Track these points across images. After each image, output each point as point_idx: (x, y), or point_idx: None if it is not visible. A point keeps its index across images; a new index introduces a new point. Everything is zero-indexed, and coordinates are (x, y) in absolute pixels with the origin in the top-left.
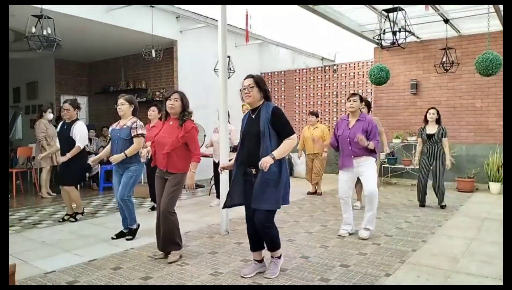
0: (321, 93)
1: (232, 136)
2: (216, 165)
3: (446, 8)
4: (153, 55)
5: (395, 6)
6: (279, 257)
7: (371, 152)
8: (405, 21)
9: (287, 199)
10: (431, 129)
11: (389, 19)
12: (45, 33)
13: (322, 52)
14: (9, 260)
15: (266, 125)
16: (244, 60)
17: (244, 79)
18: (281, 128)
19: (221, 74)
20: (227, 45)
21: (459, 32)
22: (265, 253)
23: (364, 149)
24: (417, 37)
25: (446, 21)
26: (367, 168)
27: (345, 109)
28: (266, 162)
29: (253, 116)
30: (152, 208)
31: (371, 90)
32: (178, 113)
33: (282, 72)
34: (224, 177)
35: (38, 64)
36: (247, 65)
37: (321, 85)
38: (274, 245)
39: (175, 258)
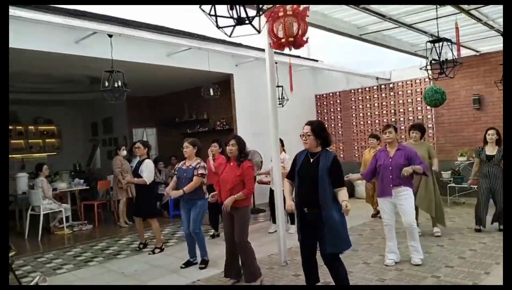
0: (379, 112)
1: (285, 164)
2: (272, 192)
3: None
4: (211, 93)
5: (440, 38)
6: None
7: (410, 183)
8: (452, 51)
9: (348, 244)
10: (491, 150)
11: (435, 50)
12: (116, 85)
13: (377, 72)
14: None
15: (325, 172)
16: (298, 83)
17: (305, 125)
18: (338, 177)
19: (270, 109)
20: (279, 72)
21: None
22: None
23: (403, 179)
24: (476, 51)
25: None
26: (404, 200)
27: (404, 128)
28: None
29: (311, 160)
30: (213, 236)
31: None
32: (236, 155)
33: (337, 93)
34: (279, 202)
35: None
36: (301, 88)
37: (378, 104)
38: (345, 281)
39: (257, 283)
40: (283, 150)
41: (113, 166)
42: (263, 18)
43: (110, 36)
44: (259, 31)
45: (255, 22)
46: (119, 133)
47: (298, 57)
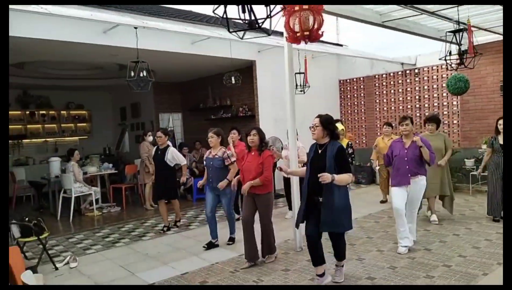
0: (403, 98)
1: (300, 153)
2: (286, 179)
3: None
4: (233, 81)
5: (460, 28)
6: (343, 266)
7: (425, 170)
8: (472, 40)
9: (351, 225)
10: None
11: (456, 39)
12: (141, 75)
13: (402, 57)
14: (120, 272)
15: (332, 161)
16: (322, 68)
17: (315, 118)
18: (344, 165)
19: (288, 99)
20: (302, 58)
21: None
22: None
23: (420, 168)
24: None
25: None
26: (420, 191)
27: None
28: (326, 176)
29: (320, 151)
30: (237, 219)
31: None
32: (257, 145)
33: (361, 78)
34: (295, 189)
35: None
36: (325, 74)
37: (402, 90)
38: (342, 255)
39: (271, 259)
40: (297, 138)
41: (140, 151)
42: (275, 18)
43: (136, 28)
44: (269, 34)
45: (267, 23)
46: (146, 117)
47: (323, 42)
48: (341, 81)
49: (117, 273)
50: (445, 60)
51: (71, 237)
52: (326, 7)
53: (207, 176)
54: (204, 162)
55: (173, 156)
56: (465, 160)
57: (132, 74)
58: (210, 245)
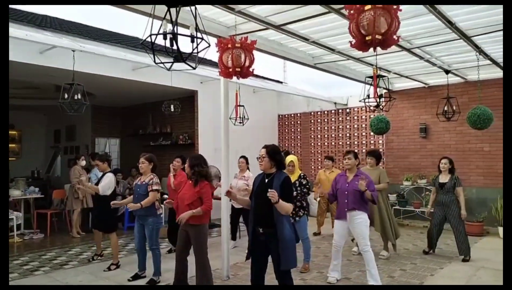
0: (335, 135)
1: (249, 182)
2: (234, 209)
3: (447, 61)
4: (172, 110)
5: (378, 74)
6: None
7: (365, 208)
8: (387, 84)
9: (295, 262)
10: (444, 178)
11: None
12: (75, 98)
13: (335, 96)
14: None
15: (277, 190)
16: (262, 103)
17: (261, 148)
18: (288, 194)
19: (222, 131)
20: (242, 92)
21: (465, 78)
22: None
23: (358, 203)
24: (425, 83)
25: (447, 72)
26: (357, 224)
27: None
28: (274, 194)
29: (266, 181)
30: (170, 251)
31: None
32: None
33: (298, 114)
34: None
35: None
36: (265, 108)
37: (335, 127)
38: None
39: None
40: (248, 168)
41: (71, 176)
42: (211, 51)
43: (73, 50)
44: (194, 68)
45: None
46: (82, 141)
47: (263, 78)
48: (280, 116)
49: None
50: (364, 102)
51: None
52: (262, 46)
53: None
54: (134, 189)
55: (102, 181)
56: (389, 195)
57: (66, 96)
58: (136, 277)
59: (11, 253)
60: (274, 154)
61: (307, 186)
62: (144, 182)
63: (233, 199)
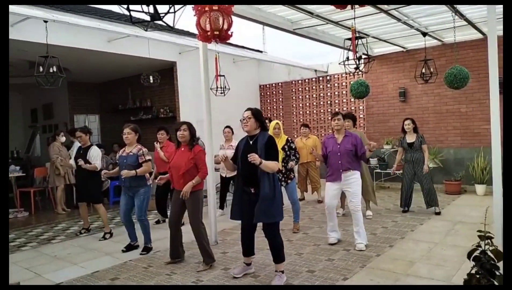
0: (316, 103)
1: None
2: (222, 179)
3: (424, 23)
4: (151, 81)
5: (357, 35)
6: (283, 272)
7: (358, 167)
8: (366, 47)
9: (282, 215)
10: (411, 138)
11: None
12: (51, 71)
13: (316, 64)
14: (25, 274)
15: (262, 149)
16: (243, 73)
17: (244, 111)
18: (271, 153)
19: (204, 99)
20: (223, 61)
21: (442, 41)
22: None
23: (352, 163)
24: (403, 47)
25: (424, 34)
26: (352, 184)
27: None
28: (254, 156)
29: (251, 142)
30: (157, 222)
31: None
32: (188, 141)
33: (279, 84)
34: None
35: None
36: (246, 78)
37: (316, 95)
38: (280, 256)
39: (203, 268)
40: (232, 137)
41: (50, 153)
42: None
43: (46, 21)
44: (172, 27)
45: (169, 18)
46: (60, 119)
47: (243, 47)
48: (261, 86)
49: (22, 275)
50: (344, 64)
51: None
52: (240, 11)
53: (119, 176)
54: (118, 161)
55: (91, 155)
56: (370, 159)
57: (41, 69)
58: (130, 248)
59: None
60: (259, 115)
61: (297, 153)
62: (131, 153)
63: (227, 167)
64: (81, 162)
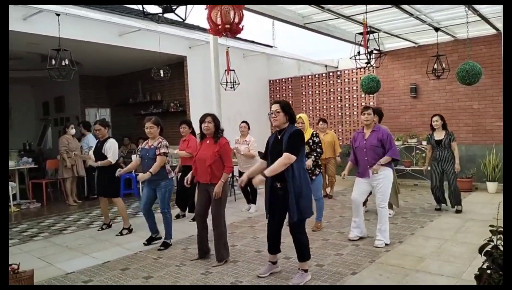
0: (326, 98)
1: (251, 146)
2: (241, 174)
3: (436, 18)
4: (162, 74)
5: (368, 30)
6: (306, 271)
7: (388, 163)
8: (378, 42)
9: (310, 212)
10: (439, 135)
11: (364, 40)
12: (63, 64)
13: (326, 59)
14: (37, 263)
15: (286, 142)
16: (252, 68)
17: (272, 104)
18: (288, 144)
19: (213, 92)
20: (233, 56)
21: (455, 36)
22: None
23: (378, 159)
24: (415, 43)
25: (437, 29)
26: (381, 181)
27: (349, 114)
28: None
29: (279, 137)
30: (177, 216)
31: (374, 94)
32: (213, 133)
33: (289, 79)
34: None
35: None
36: (255, 73)
37: (326, 90)
38: (304, 254)
39: (217, 264)
40: (248, 132)
41: (59, 145)
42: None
43: (58, 14)
44: (184, 19)
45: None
46: (71, 112)
47: (253, 42)
48: (271, 81)
49: (34, 264)
50: (355, 59)
51: None
52: (254, 7)
53: (142, 168)
54: (139, 153)
55: (106, 147)
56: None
57: (54, 62)
58: (151, 240)
59: (9, 221)
60: (288, 108)
61: (320, 145)
62: (152, 146)
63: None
64: (97, 163)
